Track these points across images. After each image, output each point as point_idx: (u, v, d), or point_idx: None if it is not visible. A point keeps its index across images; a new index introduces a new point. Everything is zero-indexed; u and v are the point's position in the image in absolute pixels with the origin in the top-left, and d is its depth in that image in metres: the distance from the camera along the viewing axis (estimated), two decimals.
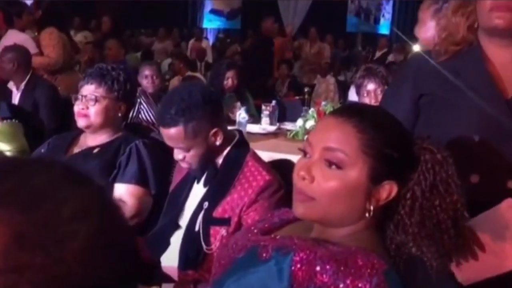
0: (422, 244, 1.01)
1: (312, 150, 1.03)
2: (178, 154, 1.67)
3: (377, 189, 1.01)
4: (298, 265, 0.97)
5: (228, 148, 1.70)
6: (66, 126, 3.03)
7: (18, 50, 3.64)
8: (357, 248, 0.98)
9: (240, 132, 1.81)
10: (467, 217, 1.07)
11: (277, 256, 1.01)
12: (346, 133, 1.01)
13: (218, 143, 1.67)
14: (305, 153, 1.06)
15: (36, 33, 4.44)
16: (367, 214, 1.02)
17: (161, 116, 1.67)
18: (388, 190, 1.01)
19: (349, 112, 1.05)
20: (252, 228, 1.18)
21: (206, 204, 1.65)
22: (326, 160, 1.01)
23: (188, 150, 1.64)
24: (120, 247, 0.51)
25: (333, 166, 1.00)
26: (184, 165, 1.70)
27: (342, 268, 0.94)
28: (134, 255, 0.53)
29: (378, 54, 9.04)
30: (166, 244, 1.74)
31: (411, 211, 1.01)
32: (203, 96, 1.65)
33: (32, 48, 4.10)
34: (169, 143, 1.67)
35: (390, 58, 7.90)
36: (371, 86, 2.93)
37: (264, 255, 1.03)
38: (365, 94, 2.93)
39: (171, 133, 1.62)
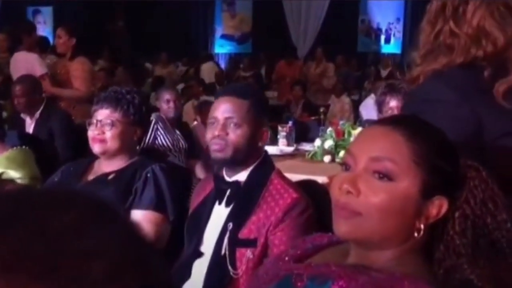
0: (477, 266, 0.91)
1: (355, 161, 0.95)
2: (221, 130, 1.58)
3: (427, 205, 0.92)
4: None
5: (254, 165, 1.64)
6: (81, 154, 2.98)
7: (28, 81, 3.61)
8: (402, 274, 0.89)
9: (265, 151, 1.76)
10: None
11: (312, 285, 0.92)
12: (395, 142, 0.93)
13: (260, 144, 1.65)
14: (346, 167, 0.97)
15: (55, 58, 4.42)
16: (416, 234, 0.93)
17: (228, 87, 1.83)
18: (438, 206, 0.93)
19: (396, 121, 0.98)
20: (283, 255, 1.09)
21: (230, 225, 1.57)
22: (375, 171, 0.92)
23: (238, 126, 1.59)
24: None
25: (383, 178, 0.92)
26: (216, 145, 1.59)
27: None
28: None
29: (384, 72, 8.99)
30: (188, 272, 1.66)
31: (462, 231, 0.93)
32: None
33: (40, 69, 4.07)
34: (221, 113, 1.60)
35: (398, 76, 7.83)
36: (393, 102, 2.87)
37: (298, 284, 0.94)
38: (388, 111, 2.86)
39: (235, 102, 1.60)
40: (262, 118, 1.65)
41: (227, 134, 1.59)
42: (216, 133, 1.59)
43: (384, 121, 1.01)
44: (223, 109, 1.61)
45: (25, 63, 4.14)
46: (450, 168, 0.94)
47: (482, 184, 0.95)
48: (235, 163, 1.62)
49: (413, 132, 0.93)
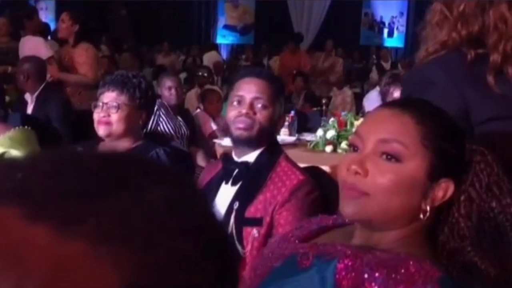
0: (480, 249, 0.93)
1: (363, 143, 0.95)
2: (249, 108, 1.61)
3: (433, 188, 0.93)
4: (343, 273, 0.89)
5: (263, 148, 1.66)
6: (83, 138, 2.98)
7: (32, 61, 3.63)
8: (407, 254, 0.90)
9: (275, 136, 1.80)
10: None
11: (318, 263, 0.93)
12: (403, 123, 0.93)
13: (279, 126, 1.74)
14: (354, 148, 0.98)
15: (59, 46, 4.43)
16: (421, 216, 0.94)
17: (253, 69, 1.83)
18: (444, 189, 0.94)
19: (405, 103, 0.99)
20: (289, 235, 1.11)
21: (236, 204, 1.60)
22: (383, 152, 0.93)
23: (265, 107, 1.62)
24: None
25: (391, 159, 0.93)
26: (242, 123, 1.61)
27: (393, 276, 0.86)
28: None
29: (386, 65, 9.00)
30: None
31: (467, 214, 0.94)
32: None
33: (46, 52, 4.08)
34: (248, 92, 1.62)
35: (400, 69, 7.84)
36: (397, 93, 2.87)
37: (304, 263, 0.95)
38: None
39: (262, 84, 1.64)
40: (282, 103, 1.70)
41: (254, 113, 1.61)
42: (244, 111, 1.61)
43: (393, 104, 1.02)
44: (250, 89, 1.63)
45: (32, 46, 4.16)
46: (457, 151, 0.95)
47: (487, 168, 0.96)
48: (257, 143, 1.64)
49: (421, 115, 0.94)
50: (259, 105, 1.62)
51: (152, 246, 0.34)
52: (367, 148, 0.95)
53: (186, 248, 0.35)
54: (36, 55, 3.89)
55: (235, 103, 1.63)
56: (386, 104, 1.07)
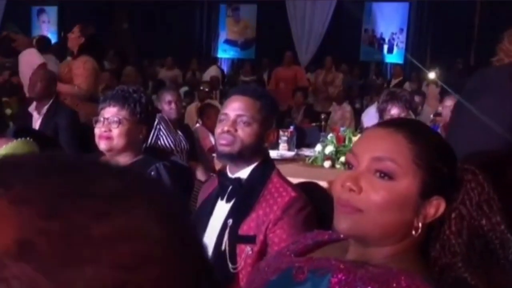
0: (471, 265, 0.95)
1: (358, 161, 0.99)
2: (231, 126, 1.65)
3: (425, 205, 0.97)
4: (337, 287, 0.92)
5: (255, 164, 1.69)
6: (85, 151, 3.01)
7: (47, 71, 3.73)
8: (399, 269, 0.93)
9: (267, 152, 1.82)
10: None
11: (313, 277, 0.96)
12: (397, 143, 0.97)
13: (266, 144, 1.72)
14: (349, 166, 1.01)
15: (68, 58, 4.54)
16: (413, 232, 0.97)
17: (240, 87, 1.87)
18: (436, 206, 0.97)
19: (398, 123, 1.03)
20: (285, 250, 1.14)
21: (230, 221, 1.62)
22: (376, 170, 0.96)
23: (248, 124, 1.65)
24: None
25: (385, 177, 0.96)
26: (224, 140, 1.65)
27: None
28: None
29: (393, 82, 9.05)
30: None
31: (458, 231, 0.97)
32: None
33: (38, 60, 4.22)
34: (232, 110, 1.67)
35: (406, 86, 7.89)
36: (394, 110, 2.91)
37: (299, 276, 0.98)
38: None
39: (247, 101, 1.67)
40: (271, 119, 1.72)
41: (236, 130, 1.65)
42: (226, 128, 1.65)
43: (387, 123, 1.06)
44: (234, 107, 1.67)
45: (26, 57, 4.30)
46: (448, 170, 0.98)
47: (478, 187, 0.99)
48: (240, 159, 1.66)
49: (414, 134, 0.98)
50: (242, 122, 1.65)
51: (54, 216, 0.37)
52: (361, 166, 0.98)
53: (122, 253, 0.36)
54: (31, 64, 4.00)
55: (221, 120, 1.70)
56: (381, 123, 1.12)
